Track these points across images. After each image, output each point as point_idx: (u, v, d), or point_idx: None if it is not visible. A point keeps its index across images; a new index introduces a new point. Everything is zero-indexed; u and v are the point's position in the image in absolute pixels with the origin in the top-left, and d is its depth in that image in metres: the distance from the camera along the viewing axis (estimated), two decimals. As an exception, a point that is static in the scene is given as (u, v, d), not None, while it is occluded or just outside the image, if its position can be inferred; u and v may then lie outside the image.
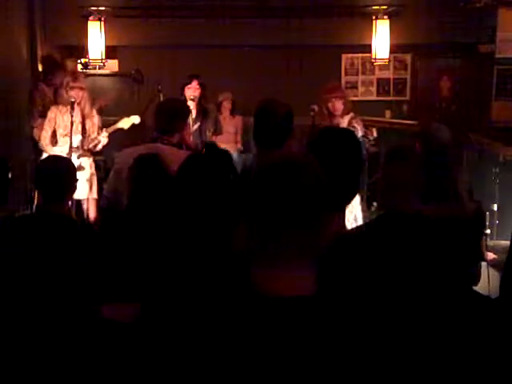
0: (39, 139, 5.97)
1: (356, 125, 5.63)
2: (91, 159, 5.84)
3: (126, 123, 5.62)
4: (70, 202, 4.33)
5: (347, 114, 5.70)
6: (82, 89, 5.65)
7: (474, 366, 1.71)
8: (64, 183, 3.18)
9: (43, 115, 6.32)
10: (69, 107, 5.60)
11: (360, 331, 1.33)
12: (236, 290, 1.40)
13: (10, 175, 3.19)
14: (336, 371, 1.26)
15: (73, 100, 5.49)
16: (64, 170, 3.21)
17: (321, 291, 1.35)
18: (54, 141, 5.74)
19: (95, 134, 5.77)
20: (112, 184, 3.78)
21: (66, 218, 3.24)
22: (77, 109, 5.67)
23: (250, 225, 1.37)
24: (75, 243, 2.93)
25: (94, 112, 5.88)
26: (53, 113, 5.77)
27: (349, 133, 2.37)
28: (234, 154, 7.05)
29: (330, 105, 5.57)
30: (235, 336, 1.28)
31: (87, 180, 5.71)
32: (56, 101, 6.32)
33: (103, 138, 5.71)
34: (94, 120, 5.81)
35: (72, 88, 5.62)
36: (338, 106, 5.60)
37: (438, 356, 1.75)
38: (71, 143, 5.48)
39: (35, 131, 6.47)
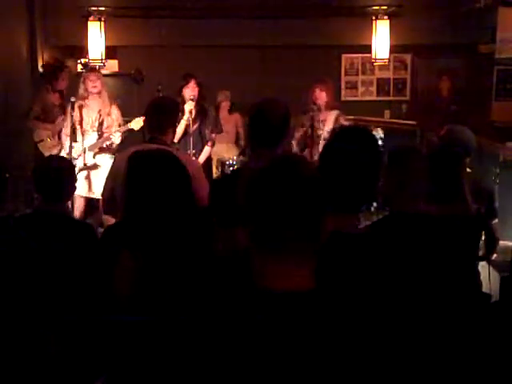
0: (40, 140, 5.96)
1: (344, 122, 5.64)
2: (110, 156, 5.71)
3: (137, 124, 5.51)
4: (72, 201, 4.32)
5: (332, 108, 5.72)
6: (98, 77, 5.64)
7: (475, 365, 1.71)
8: (62, 183, 3.18)
9: (40, 118, 6.33)
10: (87, 101, 5.59)
11: (358, 328, 1.33)
12: (238, 286, 1.40)
13: (6, 175, 3.18)
14: (334, 366, 1.27)
15: (73, 100, 5.47)
16: (61, 171, 3.21)
17: (319, 287, 1.36)
18: (74, 137, 5.62)
19: (114, 129, 5.72)
20: (109, 184, 3.77)
21: (66, 218, 3.24)
22: (94, 104, 5.65)
23: (249, 224, 1.37)
24: (74, 243, 2.93)
25: (114, 107, 5.84)
26: (75, 108, 5.58)
27: (367, 132, 2.27)
28: (235, 155, 7.03)
29: (313, 95, 5.61)
30: (237, 331, 1.29)
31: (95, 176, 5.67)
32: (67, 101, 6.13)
33: (117, 139, 5.67)
34: (113, 116, 5.79)
35: (87, 77, 5.61)
36: (320, 95, 5.63)
37: (438, 354, 1.75)
38: (71, 144, 5.44)
39: (36, 132, 6.42)
